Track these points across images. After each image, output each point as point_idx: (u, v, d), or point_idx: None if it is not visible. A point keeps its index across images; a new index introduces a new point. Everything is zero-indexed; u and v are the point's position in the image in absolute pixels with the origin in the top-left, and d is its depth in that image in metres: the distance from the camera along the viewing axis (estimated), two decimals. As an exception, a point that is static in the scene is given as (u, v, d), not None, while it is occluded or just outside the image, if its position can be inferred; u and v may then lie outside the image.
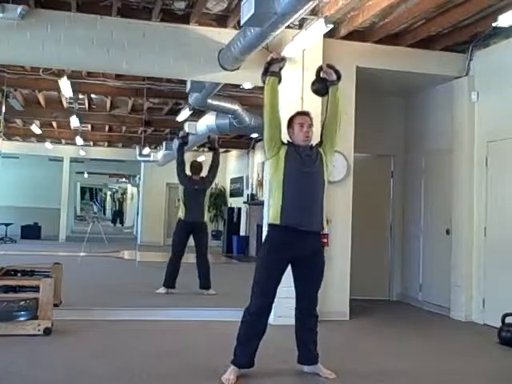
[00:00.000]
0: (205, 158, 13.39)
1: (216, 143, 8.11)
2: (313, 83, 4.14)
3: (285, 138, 4.00)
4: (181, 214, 7.69)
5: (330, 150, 3.99)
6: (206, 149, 13.64)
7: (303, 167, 3.83)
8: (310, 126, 3.93)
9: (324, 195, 3.92)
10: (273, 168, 3.87)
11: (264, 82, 3.88)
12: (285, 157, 3.84)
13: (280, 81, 3.91)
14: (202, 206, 7.66)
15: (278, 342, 4.72)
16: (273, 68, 3.87)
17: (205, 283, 7.58)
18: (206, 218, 7.80)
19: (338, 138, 4.04)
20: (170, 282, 7.48)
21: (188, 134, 8.39)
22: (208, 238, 7.95)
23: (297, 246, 3.81)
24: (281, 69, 3.93)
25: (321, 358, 4.09)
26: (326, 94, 4.08)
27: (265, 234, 4.30)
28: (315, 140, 4.05)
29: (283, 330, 4.42)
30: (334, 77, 4.00)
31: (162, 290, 7.44)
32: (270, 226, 3.90)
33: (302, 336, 4.06)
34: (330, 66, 4.05)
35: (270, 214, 3.88)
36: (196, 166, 7.87)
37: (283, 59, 3.96)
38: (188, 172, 7.77)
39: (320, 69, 4.08)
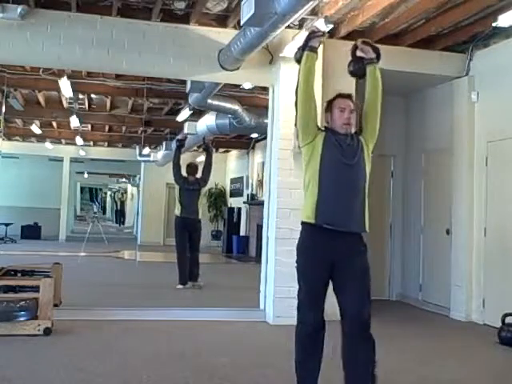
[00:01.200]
0: (204, 156, 13.39)
1: (210, 145, 8.65)
2: (349, 64, 3.61)
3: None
4: (177, 211, 8.18)
5: (372, 139, 3.51)
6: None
7: (343, 158, 3.29)
8: (352, 111, 3.41)
9: (366, 191, 3.37)
10: (307, 157, 3.37)
11: (299, 59, 3.41)
12: (322, 145, 3.32)
13: (317, 58, 3.43)
14: (197, 204, 8.16)
15: (277, 341, 4.72)
16: (313, 42, 3.39)
17: (194, 276, 7.98)
18: (201, 216, 8.27)
19: (378, 124, 3.57)
20: (182, 279, 7.86)
21: (186, 137, 8.74)
22: (201, 236, 8.32)
23: (333, 249, 3.24)
24: (320, 44, 3.46)
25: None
26: (364, 76, 3.56)
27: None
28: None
29: (283, 330, 4.42)
30: (372, 54, 3.51)
31: (180, 286, 7.81)
32: (304, 224, 3.40)
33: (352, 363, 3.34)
34: (367, 43, 3.56)
35: (303, 210, 3.40)
36: (192, 167, 8.31)
37: (324, 34, 3.50)
38: (184, 173, 8.19)
39: (355, 47, 3.57)
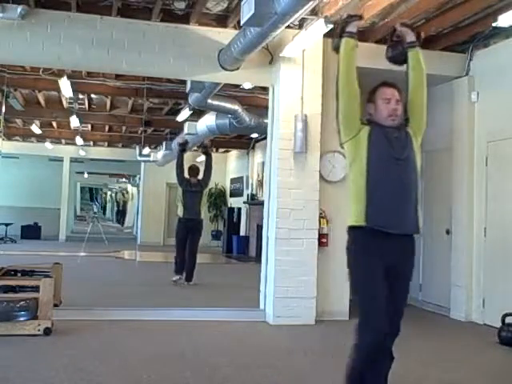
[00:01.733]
0: (204, 158, 13.40)
1: (209, 149, 8.87)
2: (387, 50, 3.33)
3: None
4: (180, 212, 8.44)
5: (420, 130, 3.16)
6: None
7: (393, 152, 2.99)
8: (399, 101, 3.08)
9: (419, 188, 3.10)
10: (352, 154, 3.06)
11: (337, 47, 3.11)
12: (368, 139, 3.01)
13: (357, 45, 3.13)
14: (199, 205, 8.43)
15: (277, 341, 4.72)
16: (350, 28, 3.10)
17: (189, 277, 8.17)
18: (203, 216, 8.52)
19: (426, 114, 3.19)
20: (179, 269, 8.21)
21: (186, 141, 8.93)
22: (201, 237, 8.53)
23: (387, 252, 2.96)
24: (357, 29, 3.15)
25: (320, 358, 4.09)
26: (404, 62, 3.25)
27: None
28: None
29: (283, 330, 4.42)
30: (413, 37, 3.18)
31: (175, 277, 8.18)
32: (353, 229, 3.08)
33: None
34: (406, 25, 3.27)
35: (351, 213, 3.07)
36: (194, 170, 8.52)
37: (361, 17, 3.23)
38: (186, 175, 8.43)
39: (394, 31, 3.27)
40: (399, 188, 2.97)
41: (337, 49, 3.14)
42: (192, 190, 8.34)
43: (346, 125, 3.06)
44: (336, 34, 3.19)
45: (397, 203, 2.95)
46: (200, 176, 8.50)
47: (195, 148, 13.18)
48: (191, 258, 8.23)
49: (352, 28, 3.12)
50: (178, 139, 8.94)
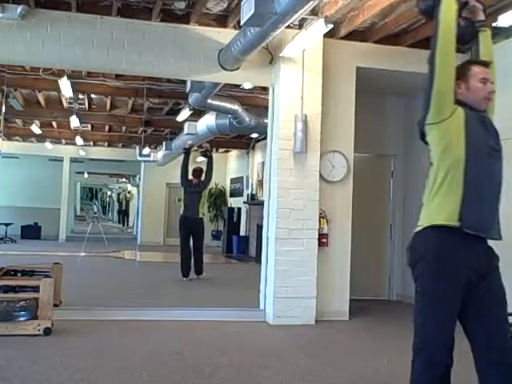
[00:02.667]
0: (204, 159, 13.41)
1: (208, 152, 9.40)
2: (457, 25, 2.69)
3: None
4: (181, 211, 9.06)
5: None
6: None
7: (490, 141, 2.63)
8: (493, 83, 2.86)
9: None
10: (443, 140, 2.55)
11: (430, 8, 2.64)
12: (465, 123, 2.56)
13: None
14: (197, 205, 9.00)
15: (277, 341, 4.72)
16: None
17: (199, 270, 8.68)
18: (201, 214, 9.08)
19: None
20: (184, 272, 8.58)
21: (192, 145, 9.49)
22: (204, 233, 9.11)
23: (474, 261, 2.57)
24: None
25: (320, 358, 4.09)
26: (469, 42, 2.97)
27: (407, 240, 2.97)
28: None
29: (283, 330, 4.42)
30: (483, 16, 2.84)
31: (183, 278, 8.52)
32: (437, 229, 2.55)
33: None
34: (478, 1, 2.82)
35: (437, 210, 2.57)
36: (197, 171, 9.12)
37: None
38: (190, 176, 9.02)
39: (465, 4, 2.79)
40: (493, 184, 2.57)
41: (428, 10, 2.68)
42: (192, 191, 8.92)
43: (440, 104, 2.54)
44: None
45: (490, 202, 2.56)
46: (202, 177, 9.06)
47: (194, 148, 13.24)
48: (198, 252, 8.75)
49: None
50: (185, 146, 9.45)
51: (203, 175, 9.11)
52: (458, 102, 2.62)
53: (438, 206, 2.55)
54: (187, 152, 9.18)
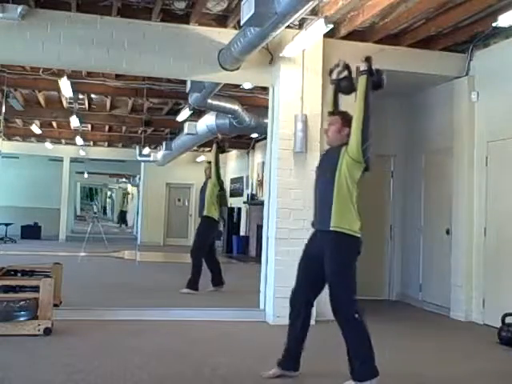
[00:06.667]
0: (204, 158, 13.42)
1: (221, 142, 8.55)
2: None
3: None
4: (212, 214, 7.97)
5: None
6: (206, 149, 13.67)
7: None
8: (329, 124, 3.98)
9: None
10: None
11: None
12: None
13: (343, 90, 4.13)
14: (204, 202, 7.98)
15: (277, 341, 4.71)
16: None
17: (218, 280, 7.74)
18: (206, 212, 7.88)
19: (357, 142, 3.85)
20: (194, 282, 7.55)
21: (223, 139, 8.71)
22: (204, 234, 7.91)
23: None
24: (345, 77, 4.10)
25: (320, 358, 4.09)
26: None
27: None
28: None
29: (283, 330, 4.41)
30: (364, 67, 3.86)
31: (186, 290, 7.47)
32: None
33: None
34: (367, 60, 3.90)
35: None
36: (207, 169, 8.23)
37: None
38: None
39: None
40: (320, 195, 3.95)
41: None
42: (202, 188, 8.23)
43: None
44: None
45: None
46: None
47: (195, 148, 13.23)
48: (193, 258, 7.75)
49: (334, 75, 4.07)
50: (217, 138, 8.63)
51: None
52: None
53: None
54: (220, 146, 8.34)
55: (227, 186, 16.37)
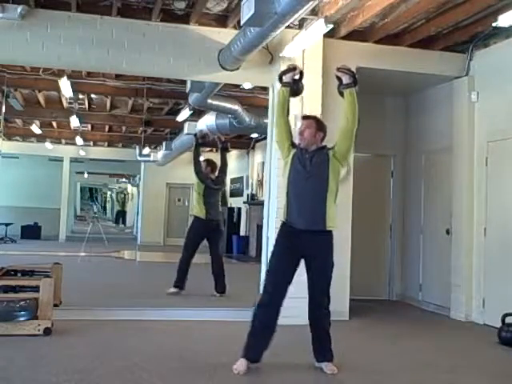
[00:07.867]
0: (204, 158, 13.38)
1: (227, 144, 7.91)
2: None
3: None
4: (198, 212, 7.41)
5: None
6: (207, 148, 13.65)
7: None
8: (305, 127, 4.22)
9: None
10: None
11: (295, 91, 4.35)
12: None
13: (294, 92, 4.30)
14: (219, 204, 7.61)
15: (277, 341, 4.71)
16: (286, 78, 4.20)
17: (221, 287, 7.37)
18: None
19: (349, 150, 4.17)
20: (180, 281, 7.27)
21: (205, 134, 7.91)
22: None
23: None
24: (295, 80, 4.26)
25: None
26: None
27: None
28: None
29: (283, 330, 4.41)
30: (349, 80, 4.03)
31: (173, 289, 7.22)
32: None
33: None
34: (343, 69, 4.09)
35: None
36: (214, 163, 7.69)
37: (295, 69, 4.23)
38: (204, 170, 7.50)
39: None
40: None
41: (300, 91, 4.36)
42: (214, 188, 7.45)
43: (278, 147, 4.44)
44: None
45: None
46: (216, 173, 7.60)
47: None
48: (220, 263, 7.35)
49: (287, 78, 4.18)
50: (197, 133, 7.81)
51: (217, 171, 7.60)
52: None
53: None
54: (201, 142, 7.59)
55: (227, 186, 16.38)
